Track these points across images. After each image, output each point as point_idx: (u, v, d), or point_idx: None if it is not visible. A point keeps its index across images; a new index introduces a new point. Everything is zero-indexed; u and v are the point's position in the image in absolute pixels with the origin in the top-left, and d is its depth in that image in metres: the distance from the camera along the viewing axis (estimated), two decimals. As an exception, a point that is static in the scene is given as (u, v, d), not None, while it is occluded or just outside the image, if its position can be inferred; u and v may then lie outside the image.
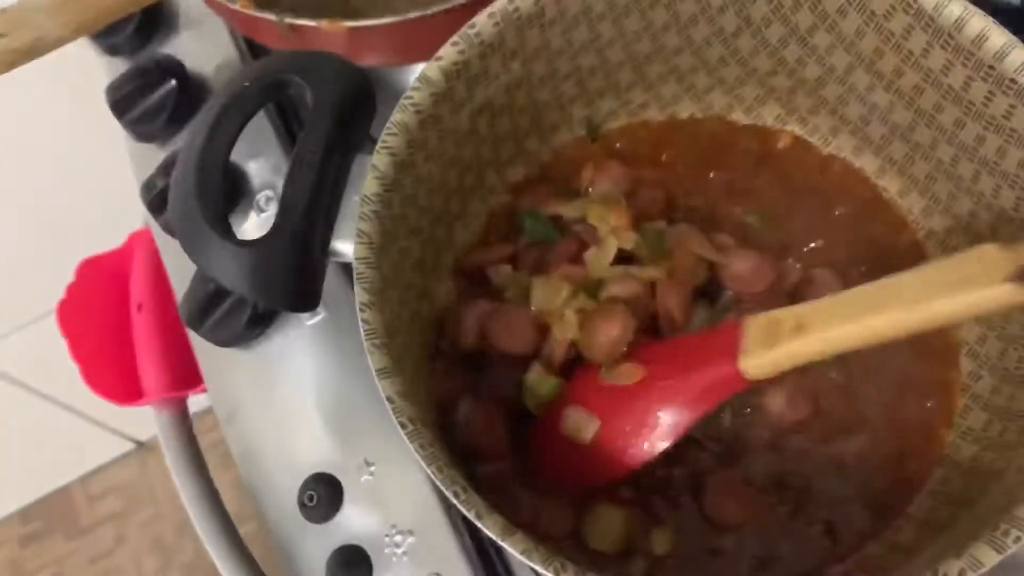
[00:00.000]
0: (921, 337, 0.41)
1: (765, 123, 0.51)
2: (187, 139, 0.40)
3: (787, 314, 0.37)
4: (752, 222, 0.49)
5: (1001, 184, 0.42)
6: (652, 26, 0.47)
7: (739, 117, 0.51)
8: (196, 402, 0.72)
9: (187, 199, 0.38)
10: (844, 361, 0.44)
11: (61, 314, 0.72)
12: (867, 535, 0.41)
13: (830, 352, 0.36)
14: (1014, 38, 0.38)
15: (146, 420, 1.53)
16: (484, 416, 0.42)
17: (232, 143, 0.39)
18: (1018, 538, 0.31)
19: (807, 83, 0.48)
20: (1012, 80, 0.39)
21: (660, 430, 0.40)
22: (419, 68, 0.56)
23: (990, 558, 0.31)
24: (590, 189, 0.49)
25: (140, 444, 1.54)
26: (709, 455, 0.43)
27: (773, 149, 0.51)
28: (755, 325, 0.38)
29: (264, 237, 0.38)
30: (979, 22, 0.39)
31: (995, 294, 0.31)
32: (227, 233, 0.38)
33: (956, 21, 0.39)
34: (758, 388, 0.42)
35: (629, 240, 0.44)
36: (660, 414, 0.40)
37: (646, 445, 0.40)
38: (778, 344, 0.36)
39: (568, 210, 0.48)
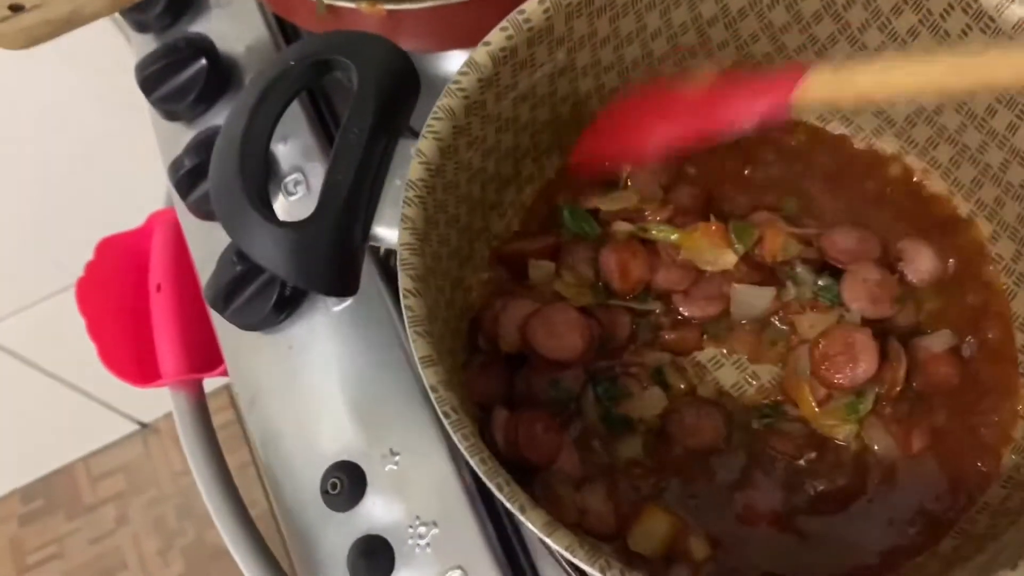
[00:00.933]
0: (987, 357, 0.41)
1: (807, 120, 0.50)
2: (229, 116, 0.39)
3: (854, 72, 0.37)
4: (790, 209, 0.48)
5: None
6: (700, 19, 0.46)
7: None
8: (215, 380, 0.71)
9: (229, 178, 0.37)
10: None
11: (80, 292, 0.71)
12: (918, 550, 0.40)
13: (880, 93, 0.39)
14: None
15: (151, 402, 1.53)
16: (527, 431, 0.42)
17: (276, 122, 0.39)
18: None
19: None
20: None
21: (712, 117, 0.41)
22: (455, 55, 0.56)
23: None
24: (628, 182, 0.49)
25: (144, 426, 1.54)
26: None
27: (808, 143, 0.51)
28: (822, 70, 0.38)
29: (307, 219, 0.37)
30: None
31: None
32: (269, 214, 0.37)
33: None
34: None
35: (728, 259, 0.44)
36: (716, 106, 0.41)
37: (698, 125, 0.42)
38: (836, 83, 0.38)
39: (606, 203, 0.47)
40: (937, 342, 0.44)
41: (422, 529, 0.50)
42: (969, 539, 0.39)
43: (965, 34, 0.41)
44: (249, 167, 0.37)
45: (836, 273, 0.46)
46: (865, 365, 0.42)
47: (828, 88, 0.38)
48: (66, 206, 0.99)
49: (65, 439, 1.48)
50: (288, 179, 0.57)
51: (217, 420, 0.72)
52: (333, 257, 0.38)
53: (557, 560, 0.48)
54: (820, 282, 0.46)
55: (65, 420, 1.40)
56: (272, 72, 0.39)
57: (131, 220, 0.76)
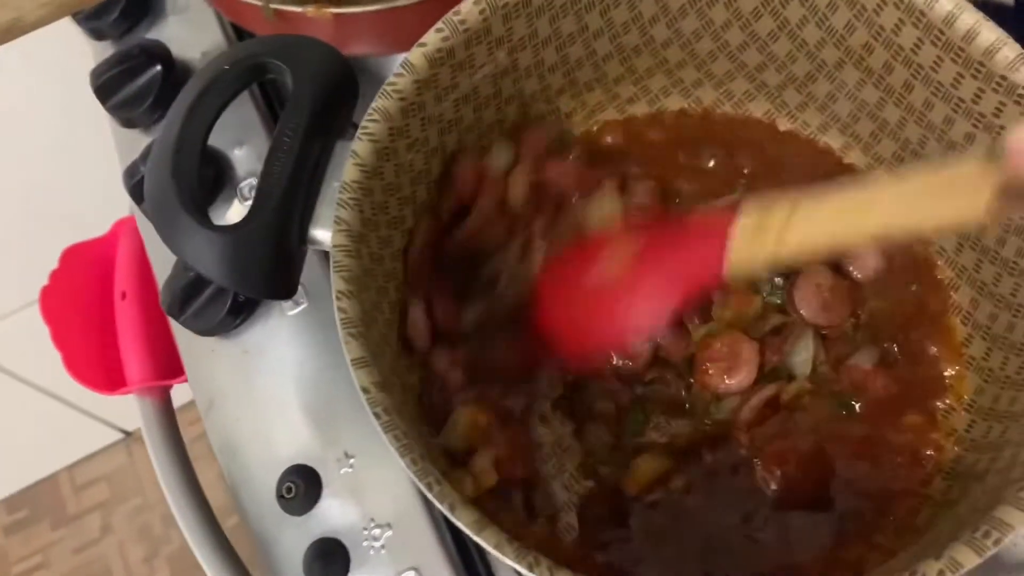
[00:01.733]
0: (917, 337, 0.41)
1: (755, 116, 0.50)
2: (165, 121, 0.39)
3: (780, 210, 0.36)
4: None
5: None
6: (640, 18, 0.46)
7: (728, 111, 0.51)
8: (184, 395, 0.71)
9: (162, 182, 0.37)
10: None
11: (44, 300, 0.71)
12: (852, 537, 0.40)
13: (810, 252, 0.37)
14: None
15: (133, 410, 1.52)
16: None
17: (210, 126, 0.39)
18: (998, 540, 0.31)
19: (796, 79, 0.48)
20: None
21: (642, 309, 0.40)
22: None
23: (970, 559, 0.31)
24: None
25: (127, 434, 1.53)
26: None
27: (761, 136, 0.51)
28: (748, 217, 0.37)
29: (240, 223, 0.37)
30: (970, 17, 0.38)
31: (974, 209, 0.31)
32: (202, 218, 0.37)
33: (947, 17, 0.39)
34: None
35: None
36: (644, 290, 0.40)
37: (630, 321, 0.41)
38: (764, 242, 0.36)
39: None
40: (865, 358, 0.44)
41: (376, 531, 0.50)
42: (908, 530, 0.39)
43: (899, 30, 0.41)
44: (182, 172, 0.37)
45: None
46: (740, 378, 0.44)
47: (759, 244, 0.36)
48: (33, 215, 0.99)
49: (48, 449, 1.47)
50: (243, 184, 0.57)
51: (197, 429, 0.72)
52: (267, 260, 0.38)
53: (509, 561, 0.48)
54: (776, 279, 0.46)
55: (48, 430, 1.40)
56: (206, 77, 0.39)
57: (98, 228, 0.76)
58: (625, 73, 0.49)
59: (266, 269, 0.38)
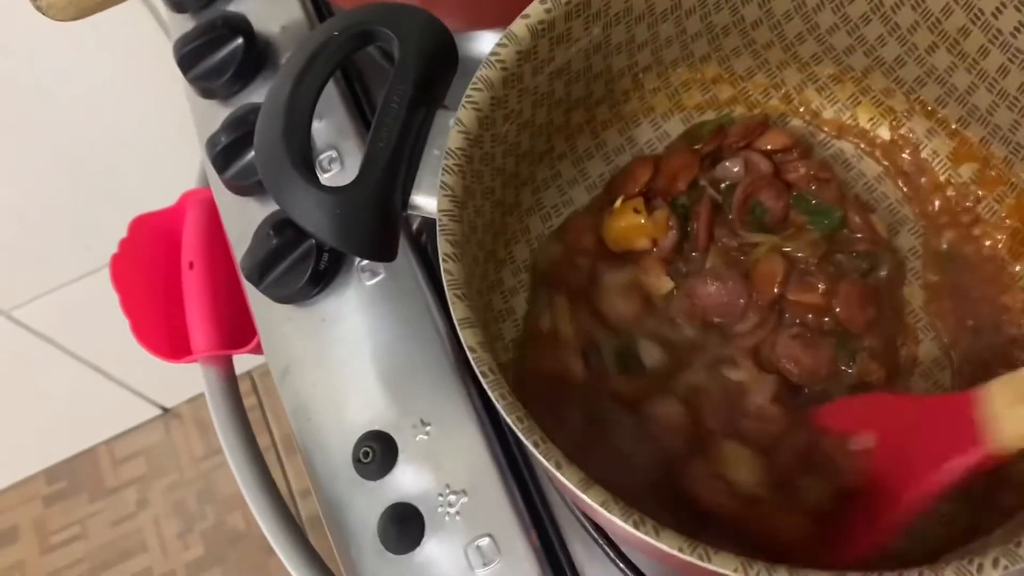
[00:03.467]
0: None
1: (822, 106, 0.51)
2: (274, 84, 0.40)
3: None
4: None
5: None
6: (735, -2, 0.47)
7: (810, 95, 0.51)
8: (241, 365, 0.72)
9: (274, 142, 0.38)
10: None
11: (114, 268, 0.72)
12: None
13: None
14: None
15: (173, 387, 1.55)
16: None
17: (320, 90, 0.39)
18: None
19: (885, 63, 0.48)
20: None
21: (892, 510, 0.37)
22: (486, 36, 0.57)
23: None
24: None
25: (166, 410, 1.55)
26: None
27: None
28: (1002, 384, 0.34)
29: (349, 185, 0.38)
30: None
31: None
32: (313, 178, 0.38)
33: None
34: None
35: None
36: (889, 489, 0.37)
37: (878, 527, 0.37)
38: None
39: None
40: None
41: (452, 498, 0.51)
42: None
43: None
44: (293, 133, 0.38)
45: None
46: None
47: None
48: (98, 188, 1.00)
49: (89, 422, 1.50)
50: (323, 156, 0.58)
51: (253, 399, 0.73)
52: (374, 222, 0.39)
53: (583, 526, 0.49)
54: None
55: (89, 403, 1.42)
56: (316, 41, 0.40)
57: (163, 200, 0.77)
58: (711, 52, 0.50)
59: (372, 230, 0.39)
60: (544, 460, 0.34)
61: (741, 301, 0.46)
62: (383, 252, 0.40)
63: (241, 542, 1.46)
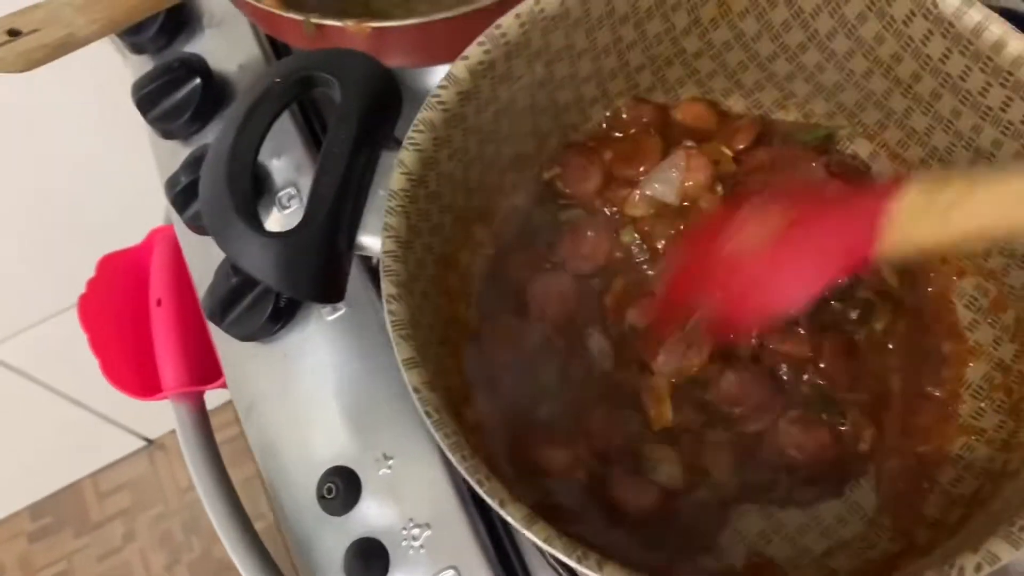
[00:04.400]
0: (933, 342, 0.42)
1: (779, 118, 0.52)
2: (219, 132, 0.40)
3: (953, 188, 0.33)
4: None
5: None
6: (674, 29, 0.47)
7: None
8: (218, 397, 0.73)
9: (217, 190, 0.38)
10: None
11: (82, 308, 0.72)
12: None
13: (976, 237, 0.35)
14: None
15: (156, 418, 1.54)
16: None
17: (263, 136, 0.40)
18: (1034, 533, 0.32)
19: (825, 88, 0.49)
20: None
21: (784, 285, 0.38)
22: (440, 70, 0.57)
23: (1006, 552, 0.32)
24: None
25: (150, 442, 1.55)
26: None
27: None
28: (916, 193, 0.34)
29: (293, 229, 0.39)
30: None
31: None
32: (256, 224, 0.39)
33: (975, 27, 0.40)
34: None
35: None
36: (789, 265, 0.38)
37: (770, 297, 0.39)
38: (929, 222, 0.33)
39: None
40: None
41: (416, 531, 0.51)
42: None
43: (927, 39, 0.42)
44: (237, 181, 0.39)
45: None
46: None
47: (923, 224, 0.33)
48: (69, 225, 1.01)
49: (72, 456, 1.49)
50: (282, 193, 0.59)
51: (224, 434, 0.73)
52: (318, 265, 0.39)
53: (547, 559, 0.50)
54: None
55: (72, 437, 1.42)
56: (258, 89, 0.40)
57: (133, 237, 0.78)
58: (656, 83, 0.50)
59: (317, 273, 0.39)
60: (488, 498, 0.35)
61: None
62: (329, 294, 0.41)
63: (228, 572, 1.45)
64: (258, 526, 0.65)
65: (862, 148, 0.50)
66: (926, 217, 0.33)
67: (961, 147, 0.45)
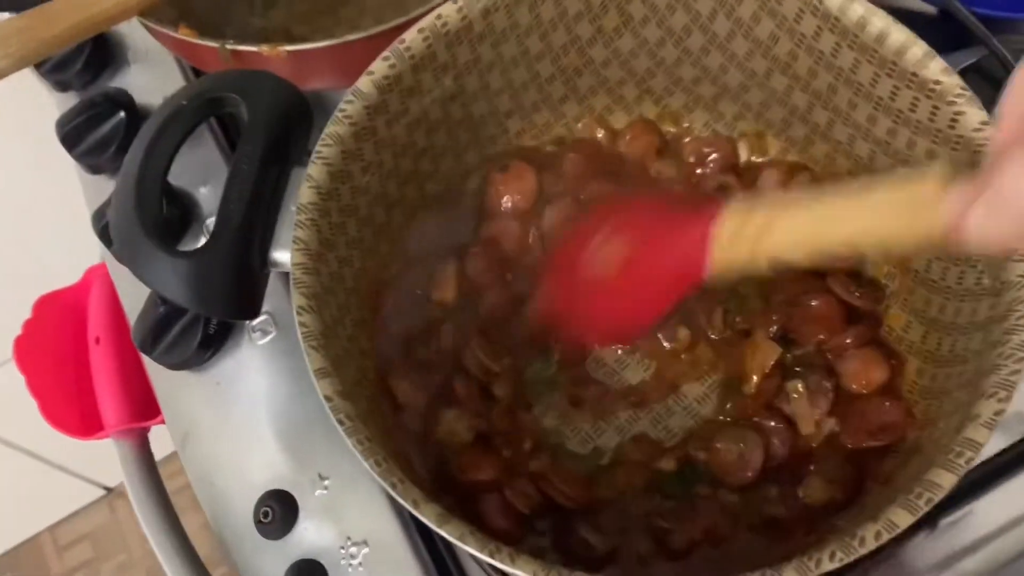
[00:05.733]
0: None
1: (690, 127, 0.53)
2: (128, 157, 0.41)
3: (758, 216, 0.36)
4: None
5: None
6: (579, 40, 0.49)
7: (668, 128, 0.53)
8: (166, 446, 0.72)
9: (126, 213, 0.39)
10: None
11: (18, 350, 0.72)
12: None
13: (786, 260, 0.36)
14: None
15: (114, 464, 1.51)
16: None
17: (171, 159, 0.40)
18: (930, 500, 0.33)
19: (730, 90, 0.50)
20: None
21: (632, 307, 0.42)
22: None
23: (904, 519, 0.32)
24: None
25: (109, 490, 1.52)
26: None
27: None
28: (729, 220, 0.36)
29: (201, 247, 0.39)
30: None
31: (932, 227, 0.31)
32: (165, 245, 0.39)
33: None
34: None
35: None
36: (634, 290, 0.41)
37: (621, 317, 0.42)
38: (743, 247, 0.36)
39: None
40: None
41: (353, 550, 0.51)
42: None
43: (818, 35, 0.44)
44: (145, 203, 0.39)
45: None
46: None
47: (738, 249, 0.36)
48: (6, 267, 1.00)
49: (29, 510, 1.46)
50: (209, 220, 0.59)
51: (179, 482, 0.72)
52: (229, 282, 0.39)
53: (484, 571, 0.50)
54: None
55: (27, 490, 1.39)
56: (165, 112, 0.41)
57: (71, 276, 0.77)
58: (569, 93, 0.52)
59: (229, 291, 0.40)
60: (403, 500, 0.35)
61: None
62: (243, 311, 0.41)
63: (195, 619, 1.43)
64: (219, 572, 0.64)
65: (772, 147, 0.52)
66: (740, 241, 0.36)
67: (860, 138, 0.46)
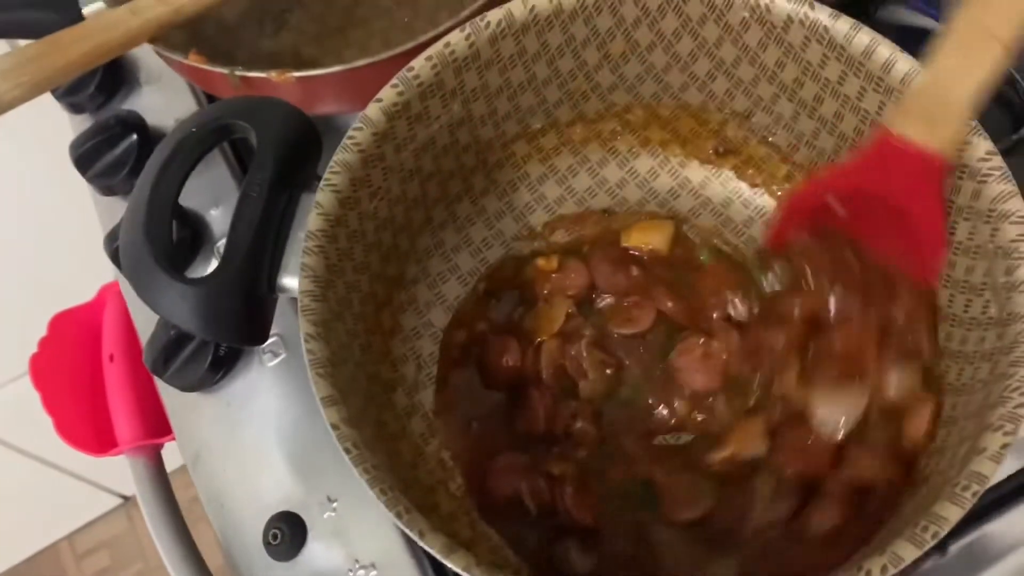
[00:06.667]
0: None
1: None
2: (138, 183, 0.41)
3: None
4: None
5: None
6: (586, 65, 0.49)
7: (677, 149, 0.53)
8: (178, 458, 0.72)
9: (136, 241, 0.39)
10: None
11: (34, 368, 0.72)
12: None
13: None
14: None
15: (131, 475, 1.51)
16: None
17: (180, 185, 0.41)
18: (936, 534, 0.32)
19: (738, 115, 0.50)
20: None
21: None
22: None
23: (910, 553, 0.32)
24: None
25: (126, 499, 1.54)
26: None
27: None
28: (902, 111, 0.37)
29: (210, 274, 0.40)
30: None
31: None
32: (174, 271, 0.39)
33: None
34: None
35: None
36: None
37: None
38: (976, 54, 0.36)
39: None
40: None
41: (361, 572, 0.51)
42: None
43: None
44: (154, 230, 0.39)
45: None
46: None
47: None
48: (22, 285, 1.01)
49: (48, 519, 1.47)
50: (220, 243, 0.59)
51: (191, 493, 0.73)
52: (238, 309, 0.40)
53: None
54: None
55: (46, 499, 1.40)
56: (174, 139, 0.41)
57: (86, 293, 0.78)
58: (576, 118, 0.52)
59: (237, 317, 0.40)
60: (408, 530, 0.35)
61: None
62: (251, 337, 0.41)
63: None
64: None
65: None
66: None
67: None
